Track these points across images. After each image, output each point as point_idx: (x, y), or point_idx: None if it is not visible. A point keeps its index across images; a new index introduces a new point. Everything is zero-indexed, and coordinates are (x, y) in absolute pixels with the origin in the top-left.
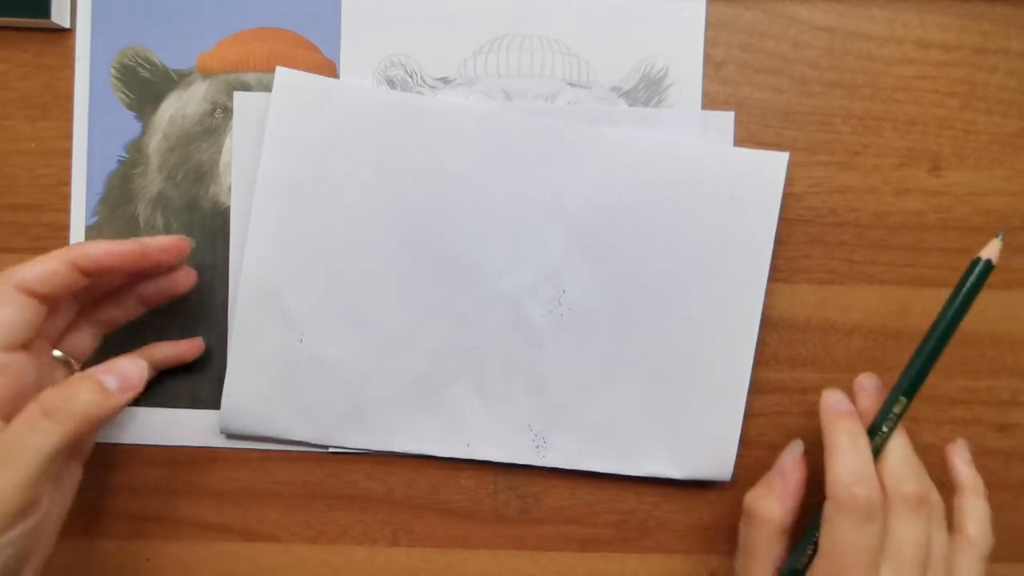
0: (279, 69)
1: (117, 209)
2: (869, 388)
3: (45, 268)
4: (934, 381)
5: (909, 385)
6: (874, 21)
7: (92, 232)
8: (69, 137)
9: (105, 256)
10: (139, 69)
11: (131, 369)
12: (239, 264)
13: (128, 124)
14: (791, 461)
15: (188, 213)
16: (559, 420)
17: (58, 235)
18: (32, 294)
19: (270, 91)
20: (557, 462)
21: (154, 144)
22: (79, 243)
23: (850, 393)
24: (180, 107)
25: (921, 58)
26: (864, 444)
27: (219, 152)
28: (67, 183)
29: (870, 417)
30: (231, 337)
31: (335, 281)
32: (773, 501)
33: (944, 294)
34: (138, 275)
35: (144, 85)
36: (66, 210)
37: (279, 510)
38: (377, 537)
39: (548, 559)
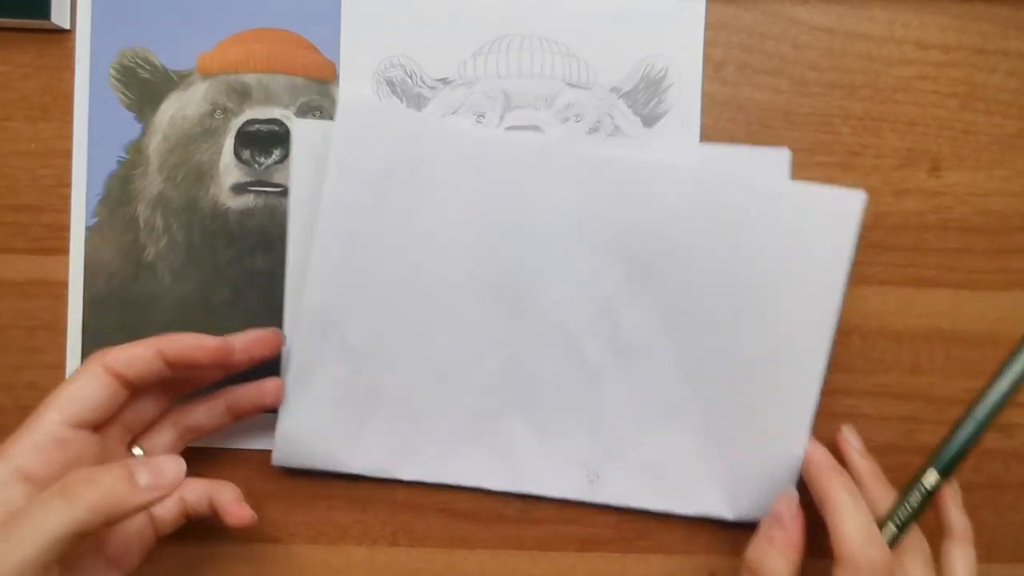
0: (343, 95)
1: (117, 210)
2: (856, 445)
3: (132, 352)
4: (934, 381)
5: (948, 462)
6: (874, 22)
7: (92, 233)
8: (69, 138)
9: (193, 349)
10: (139, 70)
11: (168, 466)
12: (297, 296)
13: (128, 125)
14: (788, 509)
15: (188, 214)
16: (613, 456)
17: (58, 236)
18: (116, 375)
19: (272, 92)
20: (609, 498)
21: (154, 145)
22: (170, 334)
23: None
24: (180, 108)
25: (921, 59)
26: (863, 503)
27: (219, 153)
28: (67, 184)
29: (860, 475)
30: (288, 371)
31: (394, 312)
32: (776, 555)
33: (944, 294)
34: (228, 371)
35: (144, 86)
36: (66, 211)
37: (279, 510)
38: (377, 537)
39: (548, 559)
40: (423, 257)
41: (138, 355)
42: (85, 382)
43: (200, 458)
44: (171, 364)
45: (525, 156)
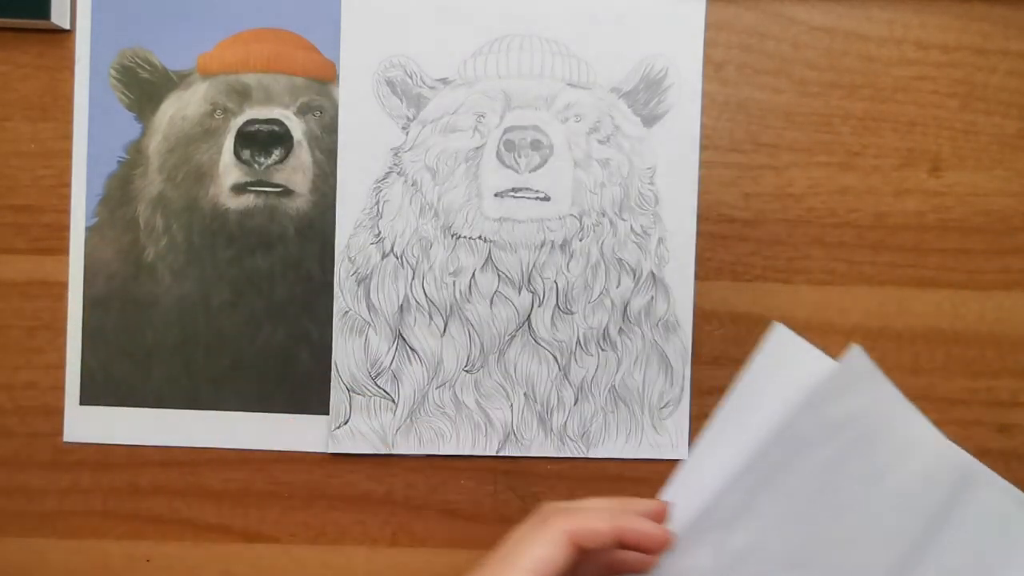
0: (856, 354)
1: (117, 210)
2: None
3: (595, 528)
4: (935, 382)
5: None
6: (873, 22)
7: (92, 233)
8: (69, 138)
9: (645, 539)
10: (139, 70)
11: None
12: (715, 481)
13: (128, 125)
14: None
15: (188, 214)
16: None
17: (58, 236)
18: (575, 545)
19: (272, 92)
20: None
21: (154, 145)
22: (623, 511)
23: None
24: (180, 108)
25: (921, 59)
26: None
27: (219, 153)
28: (67, 184)
29: None
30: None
31: (781, 543)
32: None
33: (944, 295)
34: None
35: (144, 86)
36: (66, 211)
37: (279, 511)
38: (377, 538)
39: None
40: (833, 521)
41: (599, 532)
42: (553, 550)
43: (196, 457)
44: (621, 544)
45: (934, 473)
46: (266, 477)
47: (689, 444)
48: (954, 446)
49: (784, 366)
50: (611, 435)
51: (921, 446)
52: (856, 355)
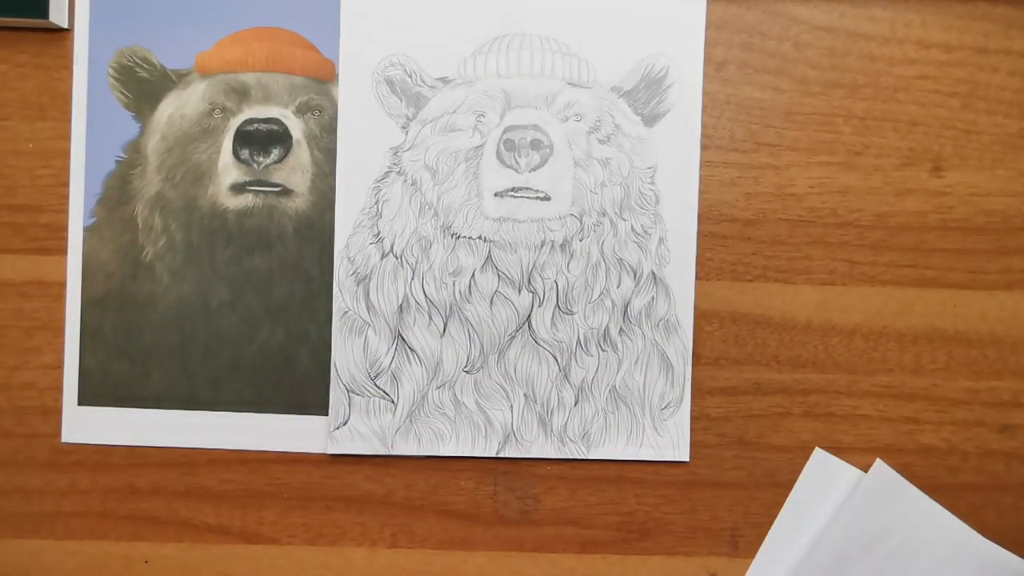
0: (879, 466)
1: (115, 210)
2: None
3: None
4: (936, 381)
5: None
6: (875, 21)
7: (90, 233)
8: (67, 138)
9: None
10: (137, 69)
11: None
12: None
13: (126, 124)
14: None
15: (186, 214)
16: None
17: (56, 236)
18: None
19: (271, 91)
20: None
21: (152, 144)
22: None
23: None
24: (178, 107)
25: (922, 58)
26: None
27: (217, 152)
28: (65, 184)
29: None
30: None
31: None
32: None
33: (946, 295)
34: None
35: (142, 85)
36: (64, 211)
37: (277, 512)
38: (376, 539)
39: (548, 561)
40: None
41: None
42: None
43: (194, 458)
44: None
45: None
46: (265, 478)
47: (690, 445)
48: (998, 547)
49: (824, 487)
50: (612, 436)
51: (968, 552)
52: (879, 470)
